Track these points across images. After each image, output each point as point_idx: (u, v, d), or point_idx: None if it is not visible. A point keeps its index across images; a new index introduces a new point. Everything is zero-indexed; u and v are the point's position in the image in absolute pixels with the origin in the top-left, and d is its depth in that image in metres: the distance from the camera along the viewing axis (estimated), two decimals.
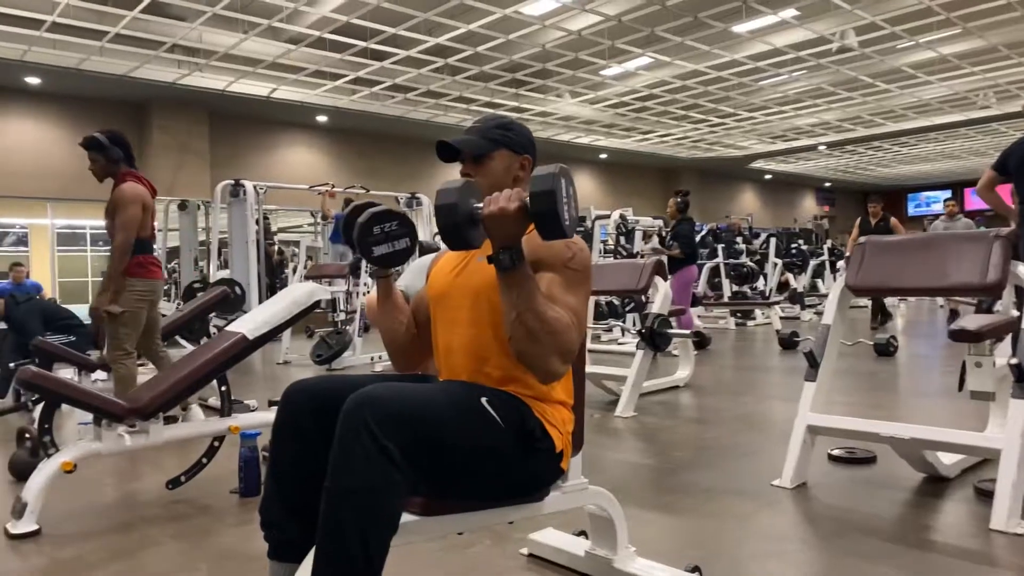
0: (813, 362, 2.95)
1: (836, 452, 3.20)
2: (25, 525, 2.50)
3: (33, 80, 10.89)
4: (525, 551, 2.21)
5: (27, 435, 3.32)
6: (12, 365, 4.51)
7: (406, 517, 1.45)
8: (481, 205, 1.40)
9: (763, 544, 2.29)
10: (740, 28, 9.88)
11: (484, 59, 10.85)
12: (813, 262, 12.72)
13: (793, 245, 12.05)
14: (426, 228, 8.98)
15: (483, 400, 1.51)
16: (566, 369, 1.50)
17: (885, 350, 6.42)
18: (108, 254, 3.76)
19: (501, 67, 11.29)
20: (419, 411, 1.41)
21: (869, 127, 16.16)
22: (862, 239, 3.08)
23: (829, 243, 15.82)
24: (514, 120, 1.74)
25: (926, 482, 2.85)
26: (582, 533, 2.18)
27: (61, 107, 11.68)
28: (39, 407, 2.81)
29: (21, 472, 3.08)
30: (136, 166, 3.92)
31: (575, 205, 1.43)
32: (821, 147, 18.23)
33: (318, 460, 1.42)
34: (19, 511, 2.52)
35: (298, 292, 3.09)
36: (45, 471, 2.58)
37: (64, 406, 4.12)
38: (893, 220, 8.39)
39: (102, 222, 3.88)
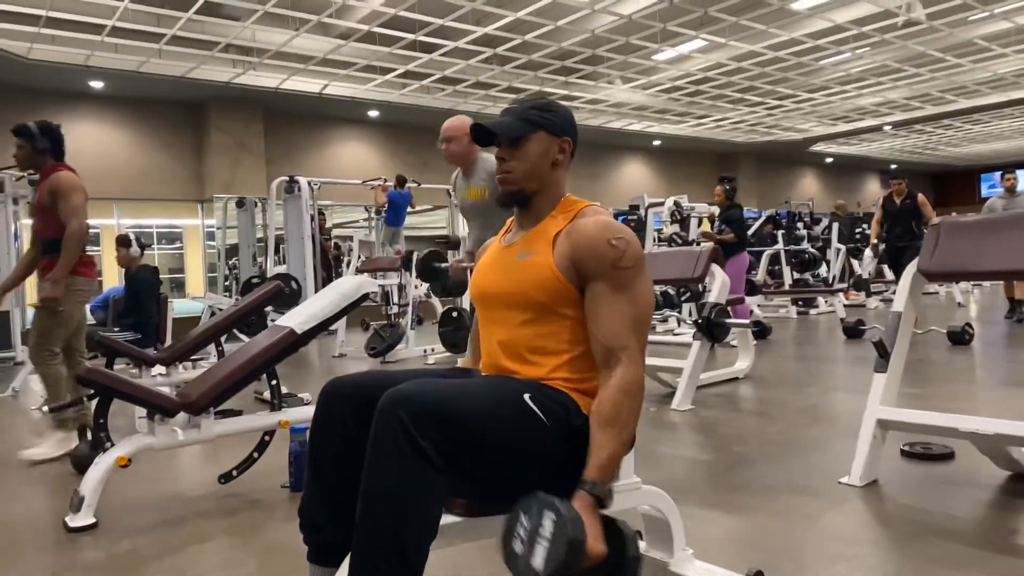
0: (883, 352, 2.77)
1: (910, 448, 3.01)
2: (83, 519, 2.54)
3: (97, 84, 11.25)
4: None
5: (87, 429, 3.39)
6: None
7: (448, 519, 1.38)
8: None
9: (831, 546, 2.14)
10: (798, 5, 9.50)
11: (533, 47, 10.73)
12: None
13: (857, 230, 11.58)
14: None
15: (526, 396, 1.43)
16: (643, 357, 1.48)
17: (960, 338, 6.09)
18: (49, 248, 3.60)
19: (550, 55, 11.14)
20: (457, 408, 1.33)
21: (939, 105, 15.41)
22: (935, 220, 2.87)
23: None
24: (553, 100, 1.64)
25: (1011, 480, 2.64)
26: (636, 533, 2.08)
27: (124, 110, 12.06)
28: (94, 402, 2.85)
29: (82, 466, 3.14)
30: (64, 160, 3.76)
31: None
32: (886, 127, 17.48)
33: (358, 459, 1.36)
34: (76, 505, 2.56)
35: (346, 285, 3.06)
36: (101, 465, 2.62)
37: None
38: (920, 197, 7.63)
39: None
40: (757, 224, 11.52)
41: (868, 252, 9.76)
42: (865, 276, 10.79)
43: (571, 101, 13.47)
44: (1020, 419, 2.46)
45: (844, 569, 1.98)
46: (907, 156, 22.50)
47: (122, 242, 5.48)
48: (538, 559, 1.22)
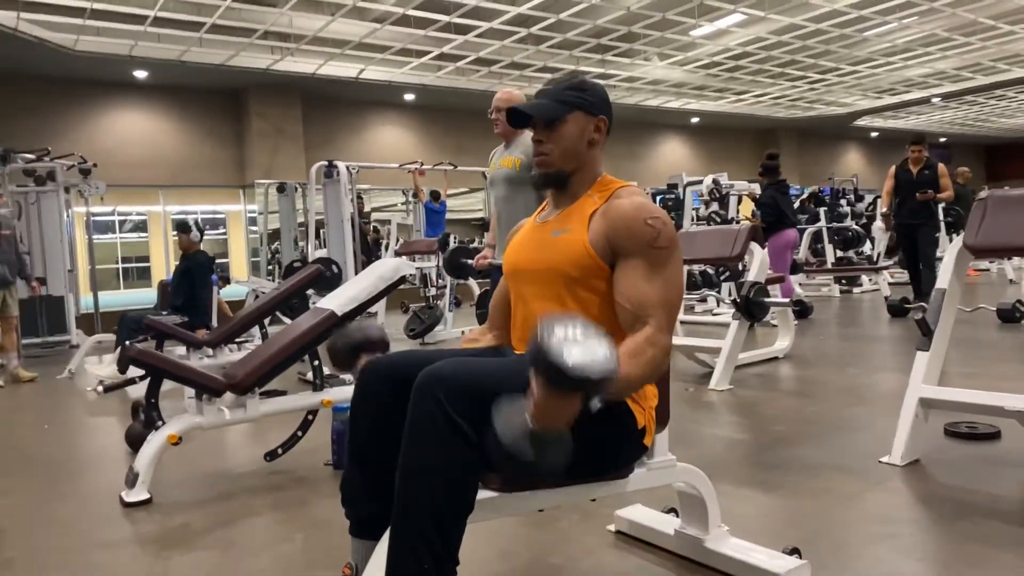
0: (926, 330, 2.72)
1: (954, 427, 2.96)
2: (137, 494, 2.65)
3: (141, 74, 11.50)
4: (612, 528, 2.15)
5: (141, 408, 3.52)
6: (128, 343, 4.80)
7: (484, 494, 1.42)
8: (530, 425, 1.18)
9: (870, 526, 2.13)
10: None
11: (567, 26, 10.62)
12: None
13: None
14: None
15: None
16: (671, 339, 1.45)
17: (1011, 316, 5.91)
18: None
19: (585, 33, 11.03)
20: (491, 386, 1.35)
21: (990, 74, 14.85)
22: (982, 194, 2.80)
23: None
24: (587, 79, 1.64)
25: None
26: (672, 511, 2.10)
27: (167, 99, 12.32)
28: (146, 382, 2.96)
29: (135, 443, 3.27)
30: None
31: (580, 339, 1.17)
32: (935, 99, 16.91)
33: (396, 436, 1.40)
34: (131, 481, 2.67)
35: (384, 268, 3.12)
36: (153, 443, 2.72)
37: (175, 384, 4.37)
38: (941, 167, 6.70)
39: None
40: (799, 201, 11.31)
41: (878, 224, 8.70)
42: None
43: (607, 79, 13.33)
44: None
45: (883, 549, 1.97)
46: (957, 128, 21.75)
47: (182, 227, 5.63)
48: (572, 356, 1.13)
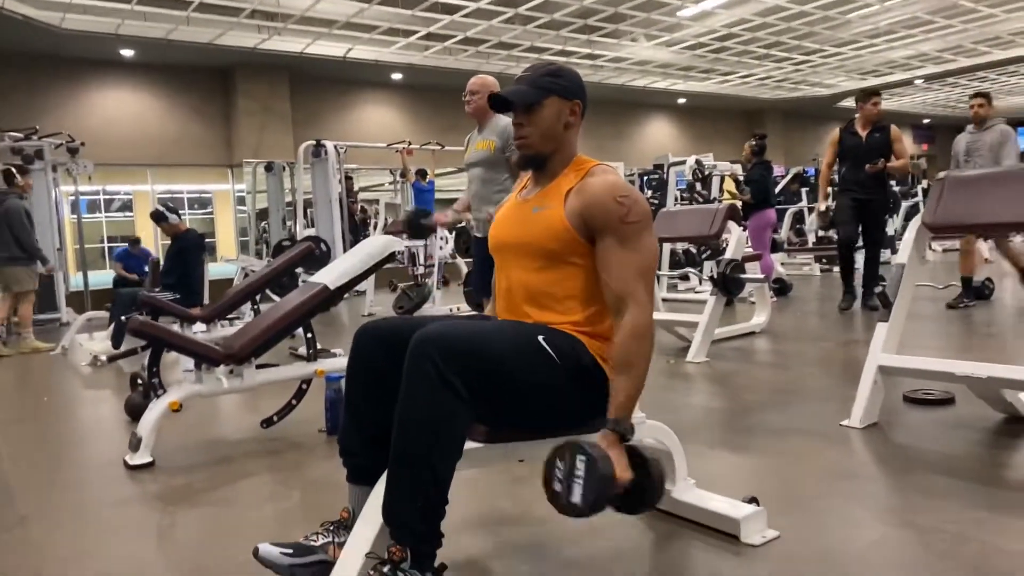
0: (886, 302, 2.91)
1: (911, 394, 3.15)
2: (141, 457, 2.79)
3: (128, 52, 11.47)
4: None
5: (139, 380, 3.65)
6: (124, 318, 4.91)
7: (470, 444, 1.57)
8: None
9: (826, 481, 2.31)
10: None
11: (555, 6, 10.69)
12: (905, 204, 12.09)
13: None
14: None
15: (540, 338, 1.60)
16: (652, 303, 1.63)
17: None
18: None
19: (572, 13, 11.09)
20: (479, 346, 1.51)
21: (972, 56, 15.04)
22: (941, 174, 2.96)
23: (925, 183, 14.96)
24: (563, 66, 1.77)
25: (1006, 422, 2.78)
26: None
27: (154, 77, 12.28)
28: (147, 353, 3.09)
29: (134, 412, 3.40)
30: None
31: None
32: (918, 81, 17.11)
33: (388, 392, 1.56)
34: (135, 445, 2.81)
35: (374, 244, 3.25)
36: (156, 409, 2.86)
37: (168, 358, 4.50)
38: (895, 131, 5.57)
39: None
40: (784, 181, 11.47)
41: (812, 218, 6.98)
42: (891, 233, 10.73)
43: (594, 60, 13.41)
44: (1011, 363, 2.59)
45: (835, 498, 2.15)
46: (940, 110, 22.00)
47: (159, 218, 5.63)
48: (576, 495, 1.43)
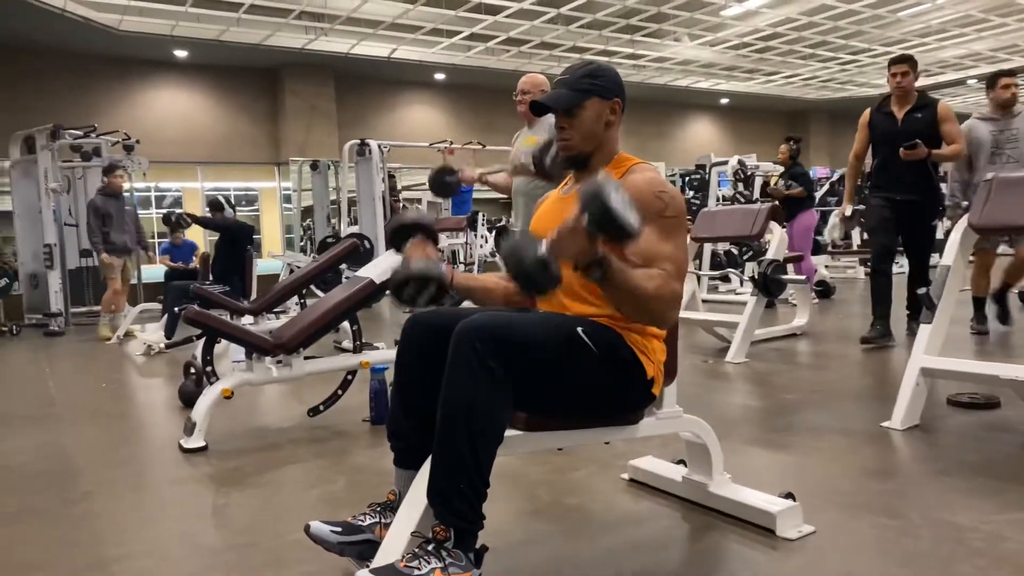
0: (930, 304, 2.88)
1: (955, 397, 3.11)
2: (195, 441, 2.92)
3: (181, 53, 11.81)
4: (626, 476, 2.36)
5: (192, 368, 3.81)
6: (177, 309, 5.10)
7: (510, 432, 1.63)
8: (544, 251, 1.40)
9: (864, 479, 2.31)
10: None
11: (597, 6, 10.69)
12: None
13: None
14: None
15: (579, 329, 1.65)
16: (677, 314, 1.64)
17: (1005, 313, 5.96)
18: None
19: (615, 13, 11.08)
20: (520, 336, 1.57)
21: None
22: (988, 175, 2.93)
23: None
24: (601, 65, 1.82)
25: None
26: (681, 462, 2.30)
27: (205, 77, 12.62)
28: (201, 341, 3.23)
29: (188, 399, 3.55)
30: None
31: (626, 200, 1.42)
32: (971, 81, 16.64)
33: (435, 380, 1.62)
34: (190, 429, 2.94)
35: None
36: (209, 395, 2.99)
37: (217, 348, 4.66)
38: (943, 108, 4.34)
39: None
40: (829, 183, 11.29)
41: (833, 220, 5.37)
42: (939, 236, 10.49)
43: (636, 59, 13.36)
44: None
45: (873, 496, 2.16)
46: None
47: (214, 206, 5.90)
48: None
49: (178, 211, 6.33)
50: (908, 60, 4.40)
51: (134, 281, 7.77)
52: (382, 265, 3.26)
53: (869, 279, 4.67)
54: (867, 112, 4.58)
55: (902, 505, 2.08)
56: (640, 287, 1.51)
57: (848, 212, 4.95)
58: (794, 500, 1.98)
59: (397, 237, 1.87)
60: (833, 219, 4.83)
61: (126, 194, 7.84)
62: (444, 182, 4.35)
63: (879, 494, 2.17)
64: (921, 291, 2.89)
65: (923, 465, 2.47)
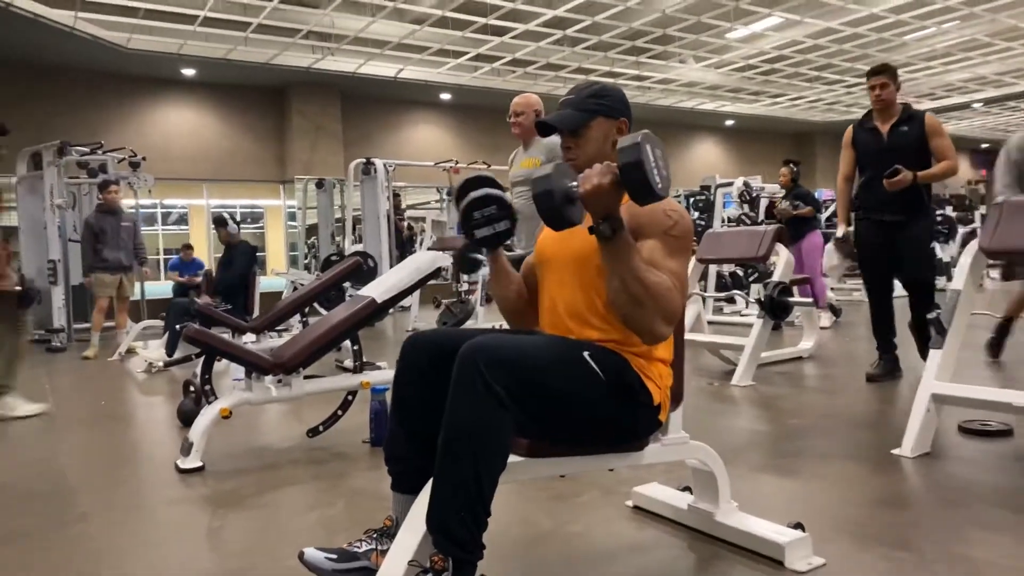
0: (940, 329, 2.84)
1: (967, 424, 3.05)
2: (191, 462, 2.87)
3: (188, 71, 11.92)
4: (630, 503, 2.30)
5: (191, 387, 3.77)
6: (178, 327, 5.07)
7: (512, 458, 1.58)
8: (576, 184, 1.47)
9: (875, 510, 2.26)
10: None
11: (603, 28, 10.76)
12: (962, 230, 11.77)
13: (940, 212, 11.18)
14: None
15: (585, 353, 1.61)
16: (670, 331, 1.58)
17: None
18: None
19: (621, 35, 11.16)
20: (525, 359, 1.53)
21: None
22: (999, 198, 2.89)
23: (983, 209, 14.51)
24: (606, 85, 1.80)
25: None
26: (686, 489, 2.25)
27: (213, 95, 12.73)
28: (200, 360, 3.19)
29: (187, 418, 3.51)
30: None
31: (665, 166, 1.47)
32: (976, 104, 16.69)
33: (435, 401, 1.58)
34: (186, 449, 2.90)
35: (421, 260, 3.31)
36: (207, 415, 2.95)
37: (218, 367, 4.63)
38: (930, 120, 3.98)
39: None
40: (835, 206, 11.27)
41: (829, 248, 4.37)
42: (946, 260, 10.45)
43: (641, 81, 13.43)
44: None
45: (884, 528, 2.10)
46: (1001, 135, 21.34)
47: (219, 222, 5.90)
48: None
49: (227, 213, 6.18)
50: (887, 71, 4.02)
51: (136, 297, 7.75)
52: (384, 284, 3.23)
53: (870, 311, 4.30)
54: (849, 130, 4.22)
55: (915, 537, 2.02)
56: (641, 270, 1.49)
57: (840, 233, 4.27)
58: (803, 531, 1.92)
59: (464, 191, 1.83)
60: (829, 248, 4.15)
61: (131, 210, 7.85)
62: (471, 259, 4.32)
63: (891, 525, 2.11)
64: (931, 315, 2.83)
65: (936, 495, 2.40)
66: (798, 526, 1.95)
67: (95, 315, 6.77)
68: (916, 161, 3.88)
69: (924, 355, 3.70)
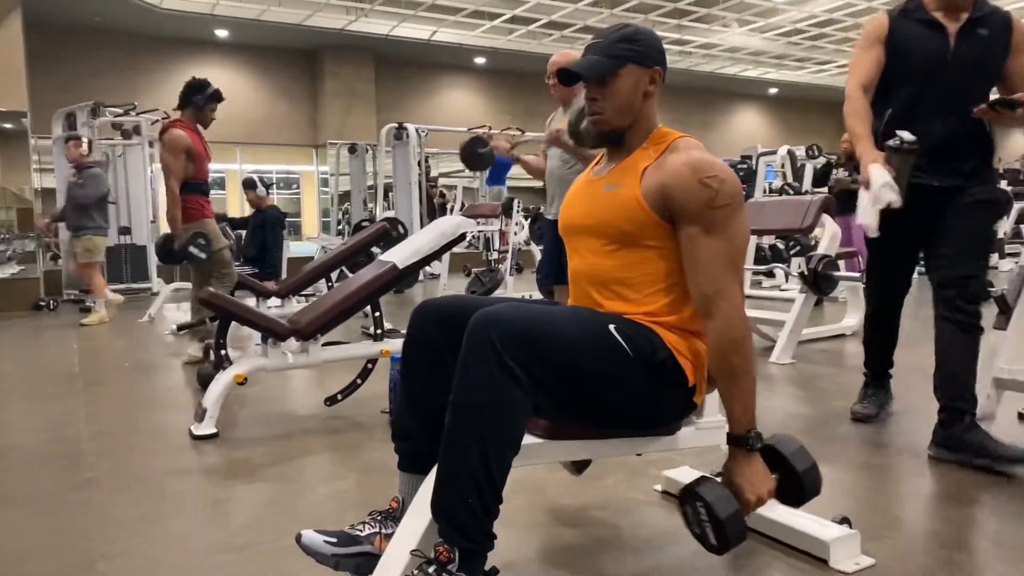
0: (1004, 308, 2.61)
1: None
2: (205, 428, 2.79)
3: (222, 32, 11.83)
4: (659, 487, 2.15)
5: (211, 350, 3.69)
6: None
7: (528, 439, 1.43)
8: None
9: (928, 504, 2.07)
10: None
11: None
12: (1018, 205, 11.19)
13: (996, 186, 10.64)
14: None
15: (611, 327, 1.44)
16: (742, 293, 1.49)
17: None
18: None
19: None
20: (544, 332, 1.36)
21: None
22: None
23: None
24: (639, 27, 1.58)
25: None
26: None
27: (246, 57, 12.65)
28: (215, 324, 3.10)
29: (206, 383, 3.43)
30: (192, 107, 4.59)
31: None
32: None
33: (447, 373, 1.42)
34: (200, 416, 2.82)
35: (445, 224, 3.15)
36: (221, 382, 2.86)
37: (243, 332, 4.57)
38: (1019, 25, 2.38)
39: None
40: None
41: (878, 174, 1.82)
42: (1000, 236, 9.95)
43: (683, 45, 12.98)
44: None
45: (936, 524, 1.92)
46: None
47: (249, 184, 5.84)
48: (711, 539, 1.43)
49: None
50: None
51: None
52: (407, 249, 3.09)
53: (866, 322, 3.21)
54: (883, 19, 2.47)
55: (975, 538, 1.84)
56: (747, 386, 1.48)
57: (905, 137, 2.33)
58: (850, 526, 1.75)
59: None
60: (877, 173, 2.68)
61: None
62: (476, 154, 4.16)
63: (946, 522, 1.93)
64: (995, 293, 2.59)
65: (996, 490, 2.20)
66: (844, 521, 1.77)
67: (96, 279, 6.63)
68: (985, 88, 2.42)
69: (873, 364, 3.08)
